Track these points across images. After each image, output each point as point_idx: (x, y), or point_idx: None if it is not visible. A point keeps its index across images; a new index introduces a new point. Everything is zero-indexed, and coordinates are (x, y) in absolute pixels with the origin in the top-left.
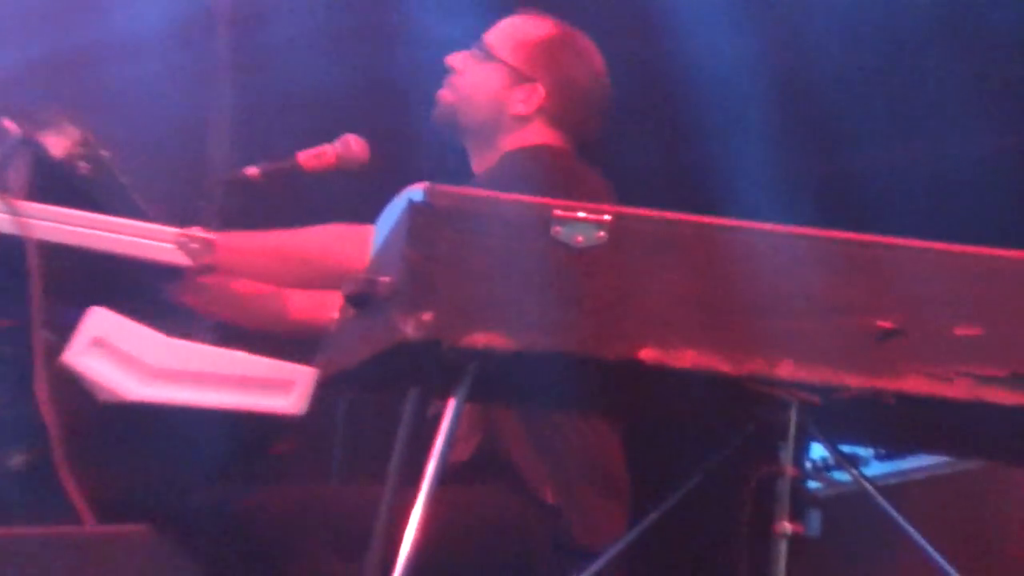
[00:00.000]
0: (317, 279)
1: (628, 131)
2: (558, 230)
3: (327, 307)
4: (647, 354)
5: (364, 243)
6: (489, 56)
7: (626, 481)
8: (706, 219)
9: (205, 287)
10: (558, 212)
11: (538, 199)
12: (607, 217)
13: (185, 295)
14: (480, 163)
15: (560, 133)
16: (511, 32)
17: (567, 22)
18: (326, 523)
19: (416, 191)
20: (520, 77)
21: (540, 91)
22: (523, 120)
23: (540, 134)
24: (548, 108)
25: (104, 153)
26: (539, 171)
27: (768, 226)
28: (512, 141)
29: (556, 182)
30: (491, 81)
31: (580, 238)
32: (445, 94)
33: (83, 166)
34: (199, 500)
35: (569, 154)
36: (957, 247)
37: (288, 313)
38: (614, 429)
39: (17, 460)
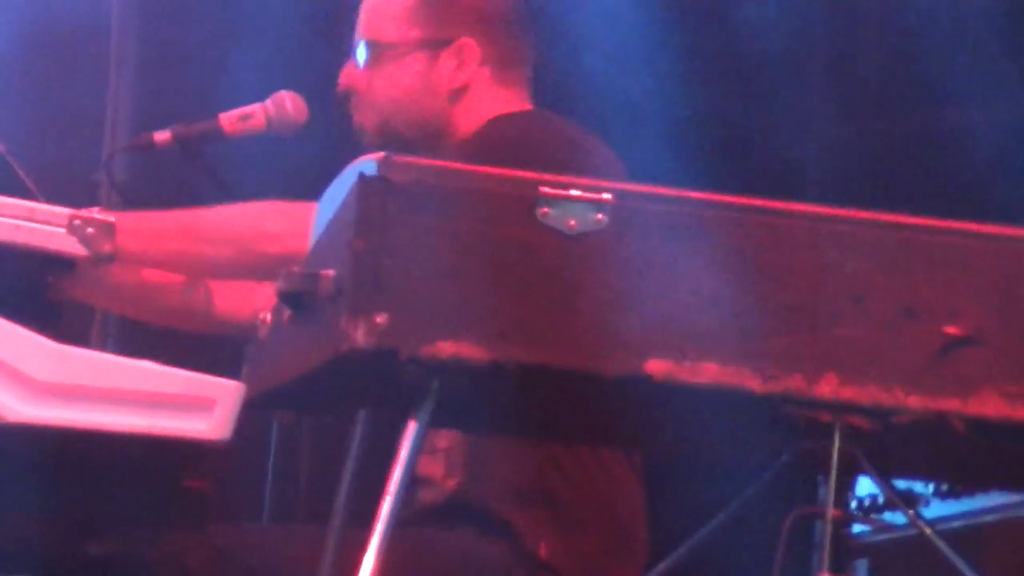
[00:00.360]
0: (243, 268)
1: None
2: (546, 212)
3: (254, 301)
4: (656, 367)
5: (304, 224)
6: (384, 48)
7: (643, 532)
8: (731, 198)
9: (101, 278)
10: (546, 189)
11: (521, 172)
12: (607, 196)
13: (77, 288)
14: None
15: (512, 80)
16: (387, 9)
17: None
18: (255, 574)
19: (368, 162)
20: (436, 44)
21: (468, 44)
22: (467, 89)
23: (496, 93)
24: (486, 57)
25: None
26: (532, 141)
27: (808, 208)
28: (469, 116)
29: (559, 156)
30: (408, 70)
31: (573, 222)
32: (362, 120)
33: None
34: (98, 548)
35: (562, 121)
36: None
37: (205, 306)
38: (632, 466)
39: None
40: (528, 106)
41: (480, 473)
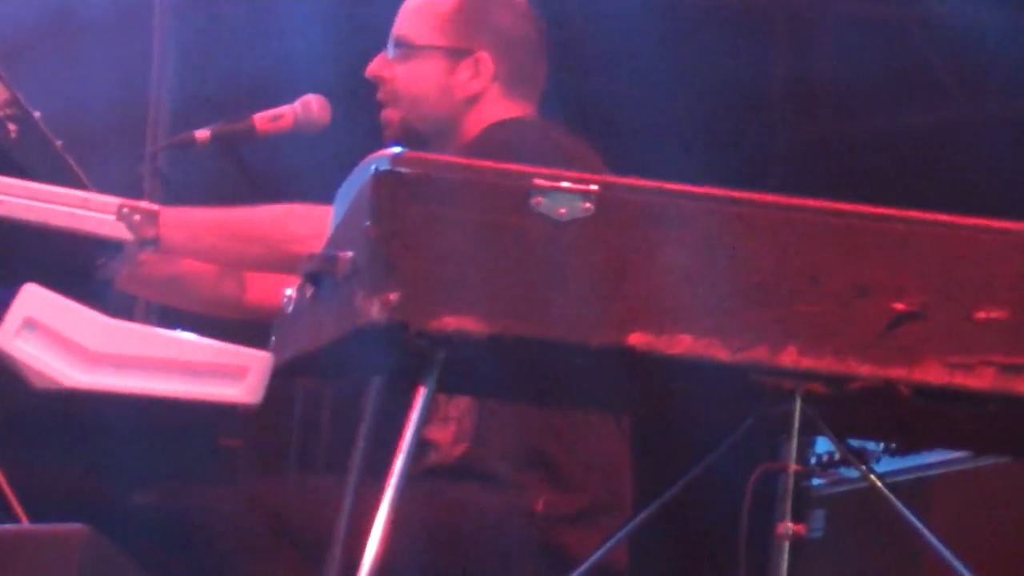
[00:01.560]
0: (269, 262)
1: None
2: (539, 201)
3: (280, 293)
4: (637, 340)
5: (324, 226)
6: (413, 48)
7: (629, 488)
8: (704, 189)
9: (143, 268)
10: (539, 181)
11: (516, 167)
12: (593, 187)
13: (121, 277)
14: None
15: (520, 95)
16: (422, 14)
17: None
18: (282, 522)
19: (382, 158)
20: (458, 53)
21: (485, 58)
22: (479, 98)
23: (503, 105)
24: (499, 73)
25: (35, 114)
26: (522, 143)
27: (772, 198)
28: (476, 122)
29: (544, 155)
30: (430, 72)
31: (563, 210)
32: (389, 113)
33: (11, 128)
34: (143, 498)
35: (550, 126)
36: (982, 221)
37: (237, 297)
38: (620, 430)
39: None
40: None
41: (485, 440)
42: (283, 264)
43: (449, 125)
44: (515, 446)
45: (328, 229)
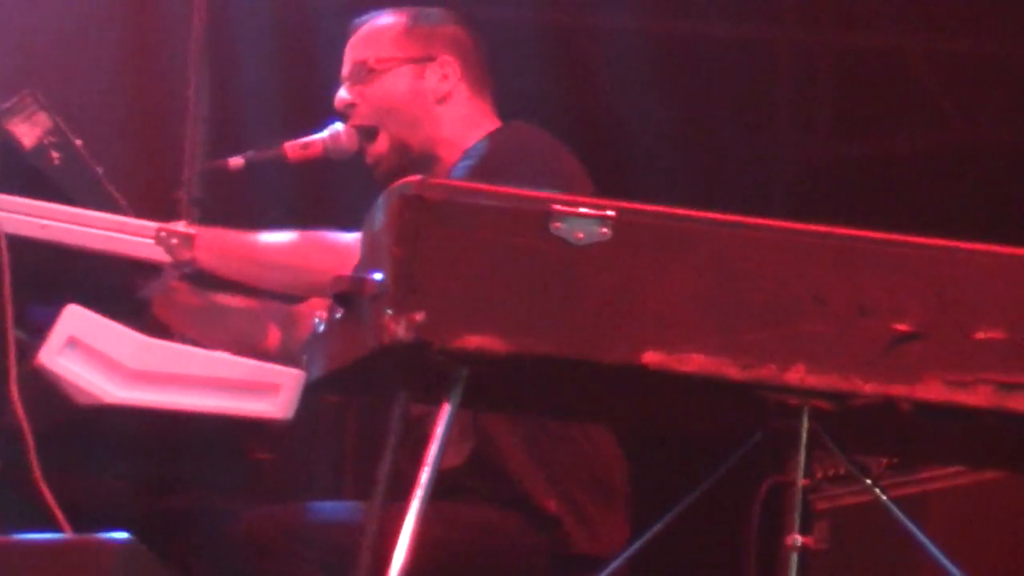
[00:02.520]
0: (295, 288)
1: None
2: (558, 226)
3: (298, 339)
4: (651, 358)
5: (347, 258)
6: (377, 67)
7: (627, 491)
8: (715, 215)
9: (175, 294)
10: (558, 207)
11: (536, 192)
12: (611, 212)
13: (157, 300)
14: (436, 175)
15: (483, 94)
16: (376, 37)
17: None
18: (310, 536)
19: (407, 184)
20: (421, 60)
21: (449, 60)
22: (450, 98)
23: (475, 104)
24: (464, 73)
25: (76, 142)
26: (523, 154)
27: (779, 223)
28: (455, 122)
29: (544, 164)
30: (400, 82)
31: (581, 234)
32: (379, 145)
33: (54, 156)
34: (181, 508)
35: (539, 131)
36: (979, 245)
37: (257, 340)
38: (615, 437)
39: None
40: (497, 118)
41: (488, 436)
42: (307, 290)
43: (427, 128)
44: (514, 445)
45: (351, 260)
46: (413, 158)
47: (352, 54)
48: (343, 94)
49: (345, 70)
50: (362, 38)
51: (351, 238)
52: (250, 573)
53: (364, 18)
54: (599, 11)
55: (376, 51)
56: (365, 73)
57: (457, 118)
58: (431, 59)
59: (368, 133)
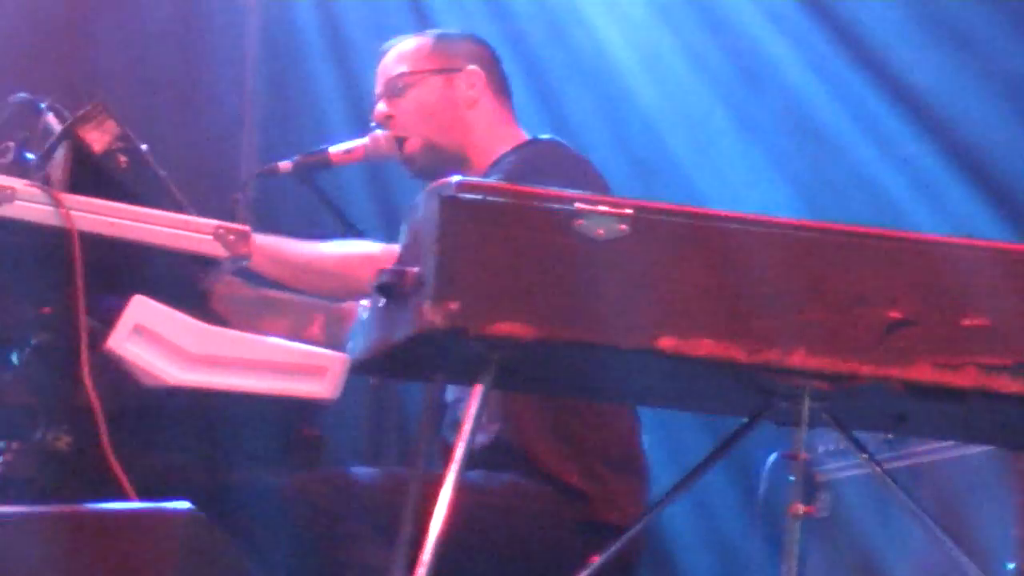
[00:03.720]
0: (338, 295)
1: None
2: (580, 223)
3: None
4: (665, 343)
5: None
6: (408, 82)
7: (645, 461)
8: (722, 212)
9: (228, 287)
10: (581, 205)
11: (561, 192)
12: (628, 211)
13: (214, 293)
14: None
15: (507, 103)
16: (405, 55)
17: None
18: (363, 506)
19: (445, 185)
20: (449, 71)
21: (475, 71)
22: (479, 105)
23: (501, 113)
24: (490, 83)
25: (142, 147)
26: (555, 165)
27: (782, 220)
28: (484, 128)
29: (572, 175)
30: (432, 92)
31: (601, 231)
32: (411, 144)
33: (122, 160)
34: (239, 480)
35: (566, 146)
36: (965, 240)
37: (306, 328)
38: (633, 411)
39: (64, 441)
40: (521, 129)
41: (513, 418)
42: (347, 295)
43: (462, 134)
44: (539, 423)
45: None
46: (445, 159)
47: (384, 72)
48: (381, 108)
49: (379, 88)
50: (392, 57)
51: (389, 248)
52: (302, 532)
53: (391, 42)
54: None
55: (407, 66)
56: (399, 87)
57: (485, 124)
58: (458, 70)
59: (402, 139)
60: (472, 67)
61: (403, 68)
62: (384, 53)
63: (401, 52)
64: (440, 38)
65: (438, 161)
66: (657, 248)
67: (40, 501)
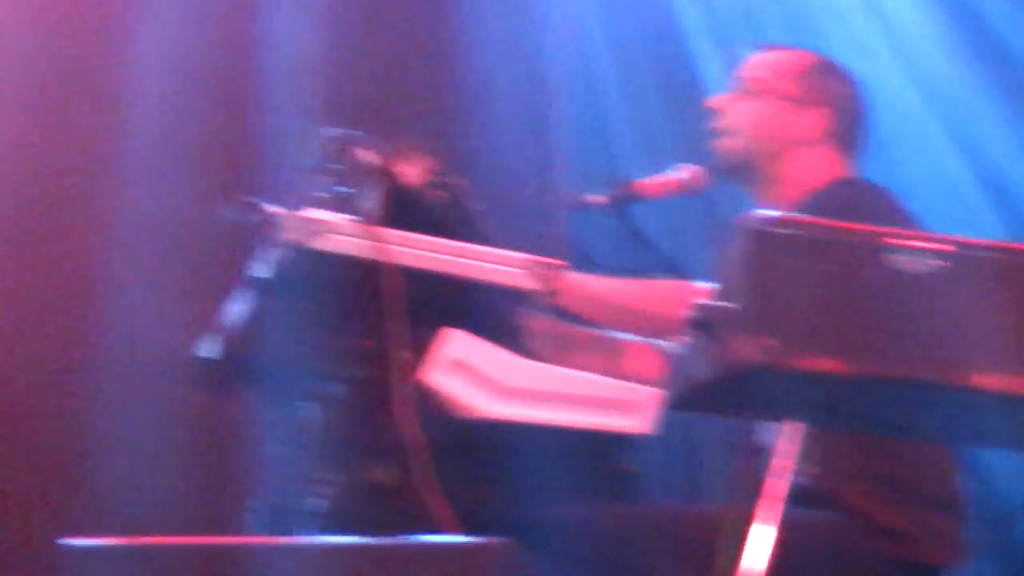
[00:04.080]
0: (644, 331)
1: None
2: (893, 258)
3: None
4: (982, 380)
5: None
6: (760, 89)
7: (963, 500)
8: None
9: (542, 322)
10: (892, 240)
11: (875, 228)
12: (944, 246)
13: (530, 326)
14: (767, 197)
15: (846, 156)
16: (777, 65)
17: None
18: (679, 544)
19: (757, 219)
20: (802, 103)
21: (826, 113)
22: (809, 144)
23: (832, 160)
24: (834, 131)
25: (457, 182)
26: (874, 201)
27: None
28: (805, 168)
29: (885, 211)
30: (773, 114)
31: (916, 265)
32: (727, 143)
33: (437, 194)
34: (553, 513)
35: (883, 187)
36: None
37: (606, 363)
38: (950, 449)
39: (378, 474)
40: (846, 169)
41: (832, 463)
42: (651, 333)
43: (779, 164)
44: (857, 468)
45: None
46: (754, 171)
47: (748, 68)
48: (719, 98)
49: (734, 79)
50: (765, 60)
51: (692, 286)
52: (614, 566)
53: (776, 46)
54: None
55: (769, 75)
56: (750, 89)
57: (810, 163)
58: (810, 106)
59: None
60: (826, 109)
61: (763, 74)
62: (763, 49)
63: (775, 59)
64: (817, 66)
65: (747, 170)
66: (974, 285)
67: (365, 533)
